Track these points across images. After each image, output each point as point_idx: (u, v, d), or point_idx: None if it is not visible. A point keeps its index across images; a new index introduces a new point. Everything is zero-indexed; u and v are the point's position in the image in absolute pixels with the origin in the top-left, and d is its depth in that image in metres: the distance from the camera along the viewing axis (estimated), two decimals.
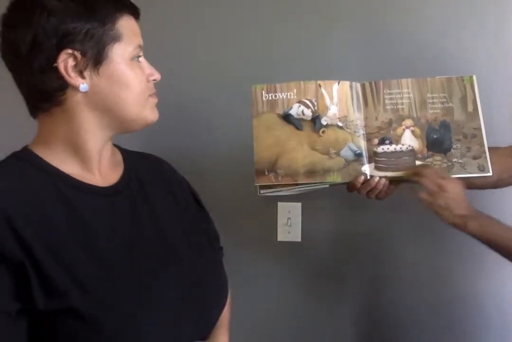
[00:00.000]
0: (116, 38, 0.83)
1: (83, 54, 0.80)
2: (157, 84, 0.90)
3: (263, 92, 1.14)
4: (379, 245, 1.40)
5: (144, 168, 0.98)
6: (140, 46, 0.86)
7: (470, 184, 1.12)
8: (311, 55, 1.40)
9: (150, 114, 0.88)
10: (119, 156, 0.97)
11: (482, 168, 1.08)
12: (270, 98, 1.14)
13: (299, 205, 1.41)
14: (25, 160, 0.83)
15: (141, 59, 0.88)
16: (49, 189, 0.80)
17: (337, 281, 1.42)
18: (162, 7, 1.41)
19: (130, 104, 0.84)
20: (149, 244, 0.87)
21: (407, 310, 1.39)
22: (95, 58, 0.81)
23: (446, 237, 1.38)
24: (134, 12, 0.87)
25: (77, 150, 0.85)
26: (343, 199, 1.37)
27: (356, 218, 1.41)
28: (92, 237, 0.80)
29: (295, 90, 1.13)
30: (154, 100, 0.90)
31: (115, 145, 0.98)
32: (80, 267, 0.77)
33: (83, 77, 0.81)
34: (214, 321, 0.94)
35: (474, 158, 1.10)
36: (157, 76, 0.89)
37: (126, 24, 0.84)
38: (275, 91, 1.14)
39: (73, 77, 0.80)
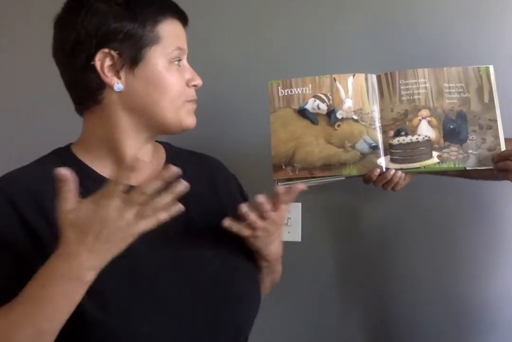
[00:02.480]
0: (155, 40, 0.84)
1: (120, 54, 0.82)
2: None
3: (279, 88, 1.16)
4: (380, 244, 1.40)
5: (189, 170, 0.91)
6: (180, 49, 0.86)
7: (478, 175, 1.13)
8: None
9: (185, 119, 0.87)
10: (161, 158, 0.95)
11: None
12: (286, 93, 1.16)
13: (299, 205, 1.41)
14: (60, 157, 0.87)
15: (183, 63, 0.88)
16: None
17: (338, 281, 1.43)
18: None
19: (164, 108, 0.85)
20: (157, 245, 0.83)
21: (408, 310, 1.39)
22: (132, 59, 0.83)
23: (448, 238, 1.38)
24: (180, 16, 0.88)
25: (113, 151, 0.86)
26: (343, 199, 1.38)
27: (356, 218, 1.41)
28: None
29: (310, 85, 1.15)
30: (192, 106, 0.89)
31: (164, 144, 0.99)
32: None
33: (119, 77, 0.83)
34: (231, 333, 0.87)
35: (489, 150, 1.09)
36: (198, 82, 0.88)
37: (167, 27, 0.85)
38: (291, 87, 1.15)
39: (108, 76, 0.82)
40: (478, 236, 1.36)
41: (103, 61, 0.82)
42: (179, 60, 0.87)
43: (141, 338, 0.78)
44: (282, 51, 1.40)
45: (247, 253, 0.92)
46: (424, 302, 1.38)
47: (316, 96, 1.15)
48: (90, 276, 0.70)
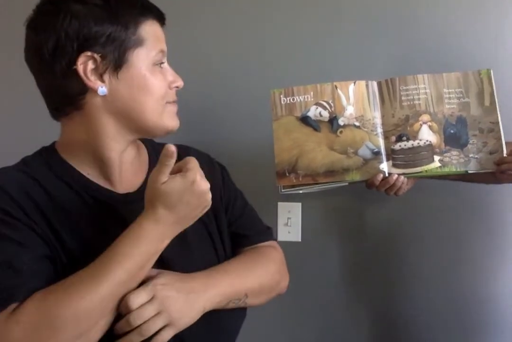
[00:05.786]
0: (138, 43, 0.83)
1: (103, 57, 0.81)
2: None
3: (281, 96, 1.18)
4: (380, 244, 1.41)
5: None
6: (162, 52, 0.86)
7: (479, 179, 1.15)
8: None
9: (169, 121, 0.88)
10: (144, 155, 0.95)
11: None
12: (288, 101, 1.17)
13: (299, 205, 1.41)
14: (45, 157, 0.88)
15: (165, 65, 0.88)
16: (56, 184, 0.84)
17: (338, 281, 1.43)
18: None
19: (148, 110, 0.85)
20: None
21: (411, 310, 1.39)
22: (115, 62, 0.82)
23: (451, 238, 1.39)
24: (160, 18, 0.88)
25: (97, 155, 0.86)
26: (343, 199, 1.39)
27: (356, 218, 1.42)
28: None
29: (312, 93, 1.17)
30: (174, 108, 0.89)
31: (146, 140, 0.97)
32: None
33: (102, 80, 0.81)
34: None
35: (491, 153, 1.11)
36: (179, 83, 0.89)
37: (149, 29, 0.85)
38: (293, 95, 1.17)
39: (92, 80, 0.81)
40: (481, 236, 1.37)
41: (85, 65, 0.80)
42: (162, 62, 0.87)
43: None
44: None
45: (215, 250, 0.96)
46: (428, 302, 1.39)
47: (318, 104, 1.16)
48: (166, 244, 0.79)
